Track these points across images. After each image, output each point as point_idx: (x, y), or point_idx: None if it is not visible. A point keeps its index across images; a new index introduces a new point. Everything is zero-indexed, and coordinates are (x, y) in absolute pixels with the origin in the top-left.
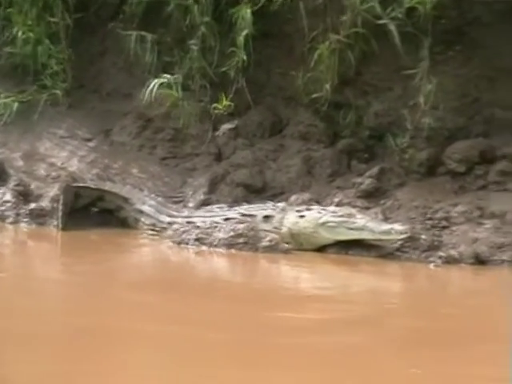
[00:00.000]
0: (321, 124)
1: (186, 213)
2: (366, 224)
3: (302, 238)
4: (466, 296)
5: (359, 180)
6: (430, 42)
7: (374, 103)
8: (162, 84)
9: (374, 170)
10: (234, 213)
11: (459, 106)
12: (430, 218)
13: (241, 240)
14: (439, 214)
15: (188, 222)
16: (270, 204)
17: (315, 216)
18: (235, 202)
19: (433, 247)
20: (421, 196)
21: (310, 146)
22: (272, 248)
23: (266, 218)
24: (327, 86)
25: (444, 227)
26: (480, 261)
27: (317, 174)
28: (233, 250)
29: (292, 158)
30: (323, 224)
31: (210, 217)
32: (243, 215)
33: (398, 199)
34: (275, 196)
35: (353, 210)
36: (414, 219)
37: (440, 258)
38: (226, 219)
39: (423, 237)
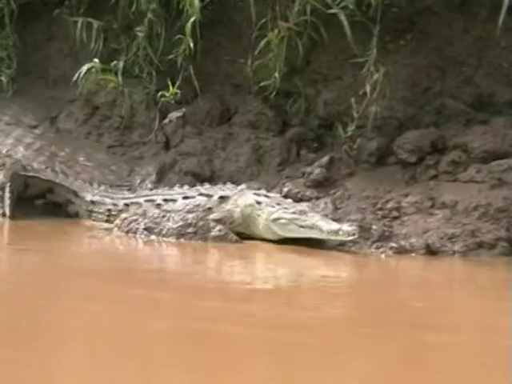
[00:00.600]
0: (270, 112)
1: (145, 192)
2: (316, 223)
3: (252, 223)
4: (414, 285)
5: (309, 169)
6: (381, 31)
7: (324, 92)
8: (106, 71)
9: (324, 159)
10: (193, 192)
11: (410, 95)
12: (380, 209)
13: (190, 230)
14: (390, 205)
15: (147, 201)
16: (230, 185)
17: (269, 210)
18: None
19: (384, 238)
20: (371, 186)
21: (258, 134)
22: (221, 238)
23: (222, 198)
24: (276, 75)
25: (395, 218)
26: (431, 251)
27: (266, 163)
28: (182, 240)
29: (241, 146)
30: (275, 220)
31: (170, 195)
32: (201, 194)
33: (347, 189)
34: None
35: (306, 207)
36: (364, 209)
37: (391, 248)
38: (185, 197)
39: (374, 227)
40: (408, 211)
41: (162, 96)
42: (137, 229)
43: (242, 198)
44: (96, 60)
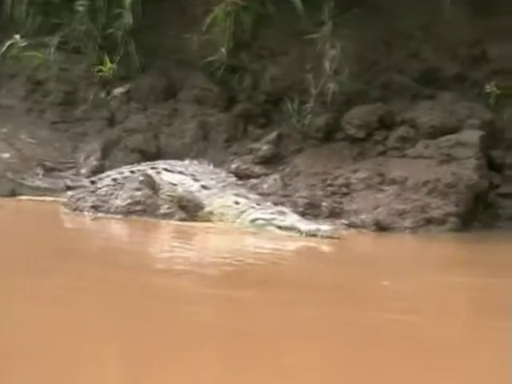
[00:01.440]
0: (216, 88)
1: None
2: (295, 223)
3: (227, 219)
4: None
5: (257, 146)
6: (328, 5)
7: (270, 67)
8: (47, 46)
9: (272, 135)
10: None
11: (357, 70)
12: (330, 185)
13: (139, 208)
14: (339, 181)
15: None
16: (217, 174)
17: (249, 211)
18: None
19: (334, 214)
20: (320, 162)
21: (205, 110)
22: (169, 216)
23: (203, 187)
24: (223, 50)
25: (345, 194)
26: (382, 228)
27: (212, 140)
28: (132, 217)
29: (187, 122)
30: (253, 221)
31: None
32: (171, 184)
33: (296, 165)
34: None
35: (285, 209)
36: (313, 186)
37: (342, 225)
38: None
39: (324, 204)
40: (357, 187)
41: (100, 71)
42: (84, 207)
43: (221, 198)
44: (17, 36)
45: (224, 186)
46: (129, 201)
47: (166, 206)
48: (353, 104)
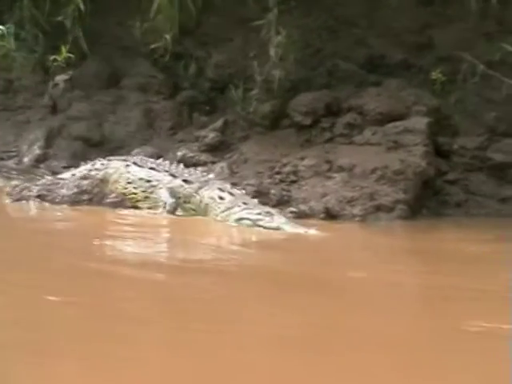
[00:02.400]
0: (160, 75)
1: None
2: (281, 225)
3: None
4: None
5: (203, 133)
6: None
7: (215, 54)
8: None
9: (218, 122)
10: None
11: (302, 56)
12: (278, 173)
13: (85, 197)
14: (287, 168)
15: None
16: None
17: (234, 210)
18: (74, 156)
19: (283, 202)
20: (266, 149)
21: (149, 97)
22: (116, 204)
23: (185, 182)
24: (167, 37)
25: (293, 182)
26: (331, 215)
27: (157, 127)
28: (77, 207)
29: (131, 110)
30: (238, 220)
31: None
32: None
33: (243, 153)
34: (115, 150)
35: (272, 210)
36: (261, 174)
37: (291, 213)
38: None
39: (272, 191)
40: (305, 175)
41: (54, 60)
42: (29, 196)
43: (206, 191)
44: None
45: (206, 181)
46: (75, 190)
47: (113, 194)
48: (298, 91)
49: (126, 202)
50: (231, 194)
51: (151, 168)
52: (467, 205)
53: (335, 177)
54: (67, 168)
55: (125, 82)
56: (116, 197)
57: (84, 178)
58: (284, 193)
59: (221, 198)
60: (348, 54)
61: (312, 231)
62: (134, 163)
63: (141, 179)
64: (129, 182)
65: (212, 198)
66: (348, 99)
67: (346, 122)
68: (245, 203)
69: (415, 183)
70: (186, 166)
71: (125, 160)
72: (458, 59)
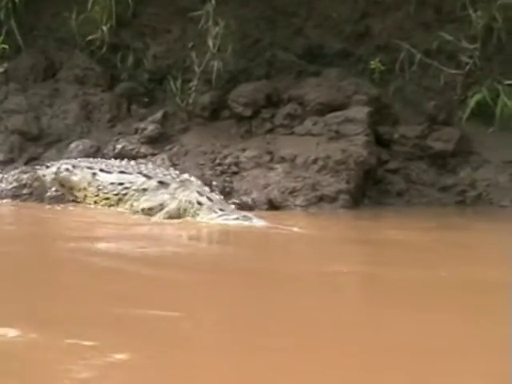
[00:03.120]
0: (98, 67)
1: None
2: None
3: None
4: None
5: (142, 125)
6: None
7: (153, 46)
8: None
9: (158, 114)
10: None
11: (240, 47)
12: (219, 164)
13: (25, 191)
14: (228, 160)
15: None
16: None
17: (211, 216)
18: (11, 151)
19: (225, 193)
20: (207, 141)
21: (86, 90)
22: (58, 199)
23: (161, 183)
24: (104, 28)
25: (234, 173)
26: (274, 206)
27: (96, 120)
28: (18, 201)
29: (69, 102)
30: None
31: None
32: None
33: (183, 145)
34: (53, 143)
35: (249, 214)
36: (203, 165)
37: (233, 204)
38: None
39: (214, 183)
40: (247, 166)
41: None
42: None
43: (183, 193)
44: None
45: (182, 181)
46: (15, 184)
47: (53, 189)
48: (237, 82)
49: (66, 197)
50: (209, 199)
51: (121, 172)
52: (408, 194)
53: (277, 168)
54: (4, 163)
55: (61, 74)
56: (56, 191)
57: (24, 171)
58: (226, 184)
59: (199, 203)
60: (287, 45)
61: (296, 229)
62: (101, 170)
63: (112, 184)
64: (99, 189)
65: (190, 203)
66: (288, 90)
67: (287, 112)
68: (221, 209)
69: (357, 173)
70: (126, 158)
71: (90, 168)
72: (396, 48)
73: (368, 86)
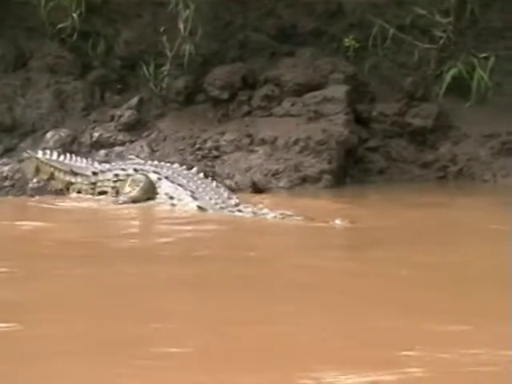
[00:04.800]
0: (69, 55)
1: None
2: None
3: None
4: None
5: (118, 112)
6: None
7: (123, 31)
8: None
9: (133, 100)
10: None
11: (212, 30)
12: (199, 149)
13: (6, 183)
14: (208, 144)
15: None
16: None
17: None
18: None
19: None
20: (184, 126)
21: (59, 78)
22: (41, 190)
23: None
24: (74, 15)
25: (215, 157)
26: (258, 189)
27: (69, 108)
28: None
29: (41, 92)
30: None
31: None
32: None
33: (161, 130)
34: (28, 133)
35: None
36: (183, 150)
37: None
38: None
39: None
40: (227, 150)
41: None
42: None
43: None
44: None
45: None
46: None
47: (35, 180)
48: (210, 65)
49: (49, 187)
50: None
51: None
52: (390, 171)
53: (258, 150)
54: None
55: (32, 63)
56: (38, 182)
57: (4, 163)
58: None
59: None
60: (259, 26)
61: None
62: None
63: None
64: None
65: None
66: (264, 71)
67: (264, 94)
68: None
69: (338, 152)
70: (103, 146)
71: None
72: (369, 25)
73: (344, 65)
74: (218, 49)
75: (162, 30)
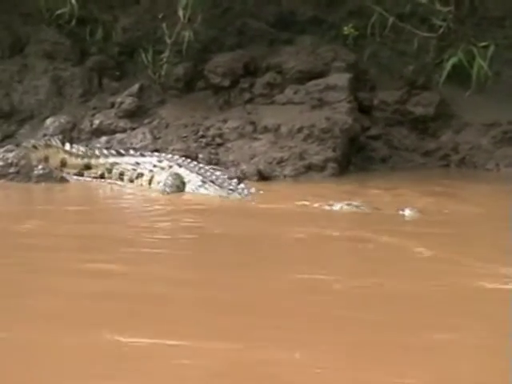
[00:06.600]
0: (67, 41)
1: None
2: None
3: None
4: None
5: (119, 99)
6: None
7: (122, 18)
8: None
9: (134, 87)
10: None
11: (210, 17)
12: (203, 136)
13: (12, 170)
14: (211, 132)
15: None
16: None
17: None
18: None
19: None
20: (186, 113)
21: (56, 65)
22: (46, 176)
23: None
24: (72, 1)
25: (219, 144)
26: (263, 177)
27: (68, 95)
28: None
29: (39, 78)
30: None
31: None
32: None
33: (163, 117)
34: (25, 120)
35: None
36: (186, 138)
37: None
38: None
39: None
40: (230, 137)
41: None
42: None
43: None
44: None
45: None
46: (1, 163)
47: (40, 166)
48: (209, 52)
49: (54, 174)
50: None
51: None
52: (392, 160)
53: (261, 138)
54: None
55: (29, 49)
56: (43, 168)
57: (10, 150)
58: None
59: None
60: (257, 13)
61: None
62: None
63: None
64: None
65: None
66: (265, 58)
67: (266, 81)
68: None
69: (343, 140)
70: (104, 133)
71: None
72: (369, 13)
73: (345, 52)
74: (216, 35)
75: (160, 16)
